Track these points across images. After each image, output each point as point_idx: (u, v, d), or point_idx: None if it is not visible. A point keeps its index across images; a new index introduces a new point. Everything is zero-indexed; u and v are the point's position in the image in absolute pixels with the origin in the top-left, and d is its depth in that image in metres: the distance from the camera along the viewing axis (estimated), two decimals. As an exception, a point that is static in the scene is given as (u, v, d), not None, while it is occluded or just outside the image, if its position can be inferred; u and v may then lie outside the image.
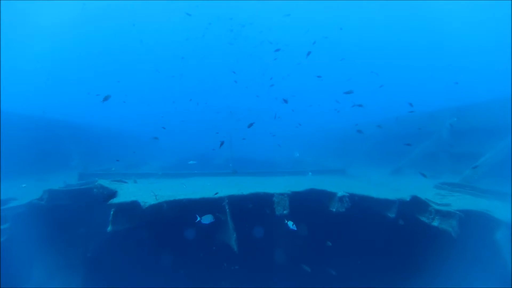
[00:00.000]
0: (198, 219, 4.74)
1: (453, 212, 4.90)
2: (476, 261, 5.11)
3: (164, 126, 11.83)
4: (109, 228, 4.81)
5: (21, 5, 32.20)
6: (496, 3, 31.22)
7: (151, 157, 18.52)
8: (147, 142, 23.11)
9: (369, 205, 5.17)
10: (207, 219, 4.75)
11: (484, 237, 4.97)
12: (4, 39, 32.33)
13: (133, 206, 4.82)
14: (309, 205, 5.09)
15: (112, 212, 4.81)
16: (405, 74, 44.67)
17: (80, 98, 32.94)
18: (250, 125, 9.03)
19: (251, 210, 5.12)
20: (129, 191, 5.62)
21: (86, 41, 44.28)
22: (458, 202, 5.72)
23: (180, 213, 4.90)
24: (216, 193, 4.94)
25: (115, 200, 4.92)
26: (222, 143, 7.59)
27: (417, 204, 5.30)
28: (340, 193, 4.98)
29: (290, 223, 4.81)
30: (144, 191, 5.55)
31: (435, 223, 5.12)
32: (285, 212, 4.79)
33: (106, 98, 6.52)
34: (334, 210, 4.96)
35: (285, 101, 10.56)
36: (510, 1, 28.97)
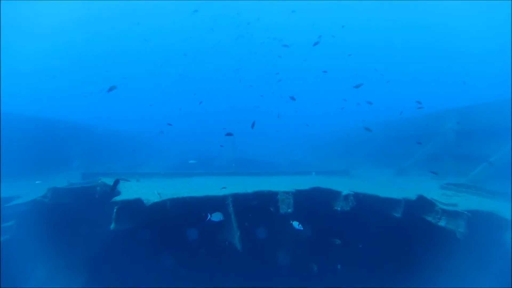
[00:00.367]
0: (209, 217, 4.71)
1: (461, 212, 4.82)
2: (484, 262, 5.01)
3: (169, 122, 11.81)
4: (112, 226, 4.78)
5: (24, 5, 32.65)
6: (503, 4, 31.05)
7: (154, 157, 18.58)
8: (151, 140, 23.19)
9: (374, 204, 5.10)
10: (216, 216, 4.72)
11: (492, 238, 4.89)
12: (7, 39, 32.74)
13: (136, 204, 4.80)
14: (313, 203, 5.03)
15: (115, 210, 4.79)
16: (409, 73, 44.48)
17: (82, 98, 33.17)
18: (253, 125, 8.98)
19: (255, 208, 5.07)
20: (132, 190, 5.61)
21: (89, 41, 44.66)
22: (465, 202, 5.63)
23: (183, 211, 4.87)
24: (223, 187, 4.91)
25: (118, 198, 4.91)
26: (230, 134, 7.48)
27: (423, 204, 5.22)
28: (345, 192, 4.92)
29: (295, 223, 4.76)
30: (147, 190, 5.54)
31: (442, 223, 5.04)
32: (289, 210, 4.74)
33: (111, 89, 6.52)
34: (339, 209, 4.90)
35: (293, 98, 10.42)
36: (510, 1, 28.87)
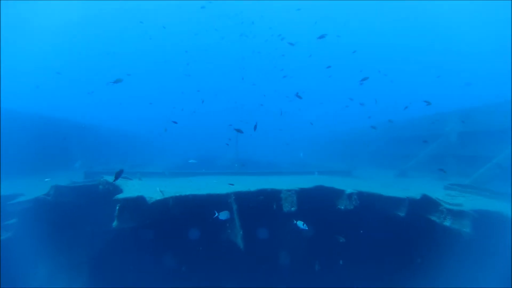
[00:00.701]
0: (216, 214, 4.68)
1: (466, 212, 4.77)
2: (489, 262, 4.96)
3: (172, 121, 11.80)
4: (115, 224, 4.77)
5: (28, 4, 32.90)
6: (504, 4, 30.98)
7: (156, 157, 18.59)
8: (154, 139, 23.19)
9: (378, 203, 5.06)
10: (223, 215, 4.70)
11: (498, 238, 4.83)
12: (10, 37, 32.98)
13: (138, 202, 4.79)
14: (317, 202, 5.00)
15: (117, 208, 4.78)
16: (412, 74, 44.40)
17: (85, 96, 33.33)
18: (255, 127, 8.94)
19: (258, 206, 5.04)
20: (135, 188, 5.60)
21: (92, 39, 44.87)
22: (469, 202, 5.57)
23: (186, 209, 4.85)
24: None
25: (120, 196, 4.90)
26: (239, 131, 7.45)
27: (427, 203, 5.17)
28: (348, 190, 4.89)
29: (300, 223, 4.71)
30: (149, 188, 5.53)
31: (447, 223, 4.98)
32: (292, 209, 4.71)
33: (117, 81, 6.53)
34: (342, 207, 4.87)
35: (299, 97, 10.31)
36: (510, 1, 28.83)
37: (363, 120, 16.60)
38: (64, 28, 40.31)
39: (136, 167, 12.92)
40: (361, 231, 5.07)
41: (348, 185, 5.47)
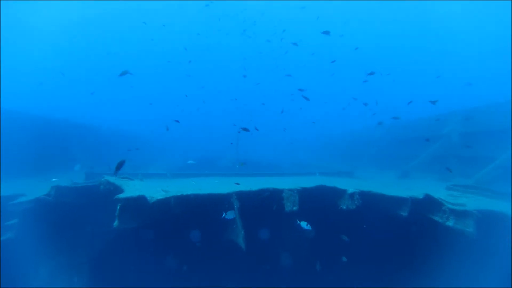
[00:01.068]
0: (224, 215, 4.67)
1: (469, 211, 4.73)
2: (491, 262, 4.91)
3: (173, 121, 11.79)
4: (116, 224, 4.75)
5: (30, 4, 33.11)
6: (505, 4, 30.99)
7: (157, 159, 18.58)
8: (155, 140, 23.18)
9: (381, 202, 5.03)
10: (230, 214, 4.67)
11: (500, 238, 4.79)
12: (11, 38, 33.15)
13: (140, 201, 4.77)
14: (319, 202, 4.97)
15: (118, 207, 4.76)
16: (413, 74, 44.36)
17: (88, 96, 33.37)
18: (257, 129, 8.93)
19: (260, 206, 5.02)
20: (136, 188, 5.59)
21: (92, 41, 45.03)
22: (472, 203, 5.53)
23: (187, 208, 4.82)
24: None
25: (122, 195, 4.88)
26: (246, 130, 7.43)
27: (430, 203, 5.13)
28: (350, 190, 4.86)
29: (304, 223, 4.68)
30: (151, 188, 5.51)
31: (450, 223, 4.94)
32: (294, 208, 4.68)
33: (123, 73, 6.55)
34: (344, 207, 4.84)
35: (306, 98, 10.23)
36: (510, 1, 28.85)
37: (365, 119, 16.56)
38: (65, 28, 40.50)
39: (138, 168, 12.90)
40: (364, 226, 5.00)
41: (350, 185, 5.44)
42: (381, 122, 9.42)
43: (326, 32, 10.44)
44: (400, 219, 5.04)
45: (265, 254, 5.60)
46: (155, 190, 5.21)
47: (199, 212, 4.99)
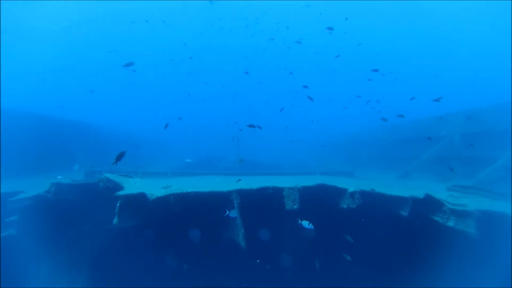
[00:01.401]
0: (227, 213, 4.65)
1: (470, 212, 4.70)
2: (492, 262, 4.88)
3: (172, 121, 11.77)
4: (115, 221, 4.73)
5: (29, 5, 33.17)
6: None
7: (157, 160, 18.57)
8: (156, 140, 23.15)
9: (381, 202, 5.00)
10: (234, 213, 4.66)
11: (501, 238, 4.76)
12: (12, 38, 33.18)
13: (140, 198, 4.75)
14: (319, 200, 4.95)
15: (118, 204, 4.74)
16: (416, 74, 44.28)
17: (86, 97, 33.42)
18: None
19: (260, 204, 4.99)
20: (136, 185, 5.57)
21: (92, 41, 45.07)
22: (473, 203, 5.49)
23: (187, 206, 4.80)
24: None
25: (121, 193, 4.86)
26: (252, 126, 7.41)
27: (430, 203, 5.10)
28: (351, 189, 4.83)
29: (305, 222, 4.64)
30: (151, 185, 5.49)
31: (451, 223, 4.91)
32: (295, 206, 4.66)
33: (128, 64, 6.57)
34: (345, 206, 4.81)
35: (310, 98, 10.23)
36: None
37: (368, 117, 16.52)
38: (65, 28, 40.54)
39: (138, 167, 12.90)
40: (363, 220, 4.94)
41: (351, 185, 5.42)
42: (385, 119, 9.36)
43: (330, 29, 10.46)
44: (400, 218, 5.01)
45: (265, 252, 5.57)
46: (155, 187, 5.19)
47: (199, 210, 4.97)
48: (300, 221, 4.73)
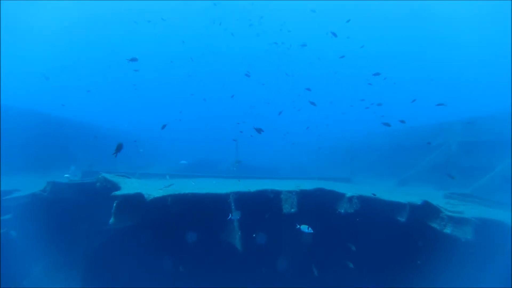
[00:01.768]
0: (230, 216, 4.61)
1: (468, 219, 4.70)
2: (489, 269, 4.87)
3: (173, 121, 11.74)
4: (112, 221, 4.68)
5: (29, 4, 33.29)
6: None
7: (156, 161, 18.50)
8: (154, 141, 23.08)
9: (379, 207, 5.00)
10: (236, 215, 4.63)
11: (498, 246, 4.76)
12: (12, 38, 33.21)
13: (137, 199, 4.71)
14: (317, 205, 4.94)
15: (115, 204, 4.70)
16: (415, 80, 44.46)
17: (85, 97, 33.37)
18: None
19: (257, 207, 4.97)
20: (133, 185, 5.53)
21: (93, 41, 45.13)
22: (470, 211, 5.51)
23: (184, 207, 4.77)
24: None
25: (118, 192, 4.82)
26: (261, 131, 7.41)
27: (428, 209, 5.10)
28: (349, 194, 4.83)
29: (304, 227, 4.60)
30: (148, 186, 5.46)
31: (448, 230, 4.91)
32: (292, 210, 4.64)
33: (133, 60, 6.60)
34: (342, 211, 4.80)
35: (313, 103, 10.24)
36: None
37: (370, 122, 16.55)
38: (65, 27, 40.64)
39: (137, 168, 12.83)
40: (357, 219, 4.90)
41: (349, 190, 5.42)
42: (388, 124, 9.34)
43: (334, 34, 10.57)
44: (398, 224, 5.01)
45: (261, 256, 5.53)
46: (152, 188, 5.16)
47: (196, 211, 4.94)
48: (298, 226, 4.69)
